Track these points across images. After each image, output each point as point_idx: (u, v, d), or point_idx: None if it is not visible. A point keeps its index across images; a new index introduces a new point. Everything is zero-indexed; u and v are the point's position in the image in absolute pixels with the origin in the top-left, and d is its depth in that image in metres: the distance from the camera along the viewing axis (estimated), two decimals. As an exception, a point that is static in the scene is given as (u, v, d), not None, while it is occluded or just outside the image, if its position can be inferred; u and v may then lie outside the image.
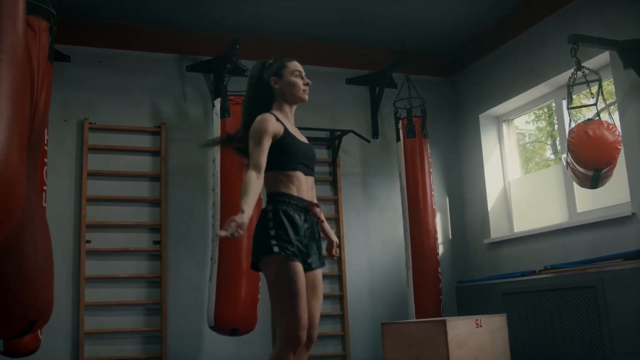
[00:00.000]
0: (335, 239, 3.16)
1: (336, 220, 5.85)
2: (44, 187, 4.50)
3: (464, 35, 6.15)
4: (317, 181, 5.80)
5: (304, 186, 2.95)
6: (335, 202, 5.90)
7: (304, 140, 3.07)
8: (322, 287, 2.98)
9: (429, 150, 5.67)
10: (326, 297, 5.67)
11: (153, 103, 5.55)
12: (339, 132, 5.92)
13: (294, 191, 2.89)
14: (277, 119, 2.95)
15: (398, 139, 5.72)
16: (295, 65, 3.07)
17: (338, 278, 5.76)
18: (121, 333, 5.07)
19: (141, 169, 5.41)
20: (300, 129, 5.49)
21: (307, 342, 2.86)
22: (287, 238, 2.78)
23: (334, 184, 5.93)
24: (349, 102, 6.18)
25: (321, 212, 3.01)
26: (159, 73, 5.61)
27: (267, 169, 2.85)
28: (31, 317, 3.12)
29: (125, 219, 5.26)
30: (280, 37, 5.94)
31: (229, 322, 4.64)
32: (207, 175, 5.48)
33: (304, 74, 3.08)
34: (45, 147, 4.66)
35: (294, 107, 3.11)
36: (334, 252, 3.14)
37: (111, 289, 5.12)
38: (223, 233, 2.52)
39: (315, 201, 3.03)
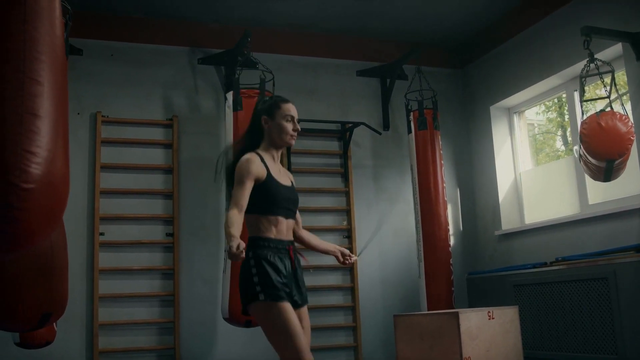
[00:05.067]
0: (336, 250, 3.20)
1: (347, 212, 5.88)
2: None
3: (475, 26, 6.14)
4: (328, 173, 5.87)
5: (284, 228, 2.96)
6: (347, 194, 5.92)
7: (287, 182, 3.05)
8: (309, 322, 3.02)
9: (440, 142, 5.66)
10: (338, 288, 5.72)
11: (165, 96, 5.57)
12: (350, 124, 5.93)
13: (272, 234, 2.91)
14: (262, 160, 2.94)
15: (409, 131, 5.71)
16: (289, 108, 3.03)
17: (349, 269, 5.79)
18: (135, 324, 5.11)
19: (154, 161, 5.44)
20: (311, 121, 5.59)
21: None
22: (270, 282, 2.81)
23: (345, 176, 5.95)
24: (360, 94, 6.19)
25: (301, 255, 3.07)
26: (170, 66, 5.63)
27: (248, 212, 2.87)
28: (45, 309, 3.14)
29: (138, 211, 5.30)
30: (292, 29, 5.95)
31: (244, 314, 4.65)
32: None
33: (296, 118, 3.05)
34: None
35: (280, 150, 3.08)
36: (346, 261, 3.19)
37: (125, 280, 5.16)
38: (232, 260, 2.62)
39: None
